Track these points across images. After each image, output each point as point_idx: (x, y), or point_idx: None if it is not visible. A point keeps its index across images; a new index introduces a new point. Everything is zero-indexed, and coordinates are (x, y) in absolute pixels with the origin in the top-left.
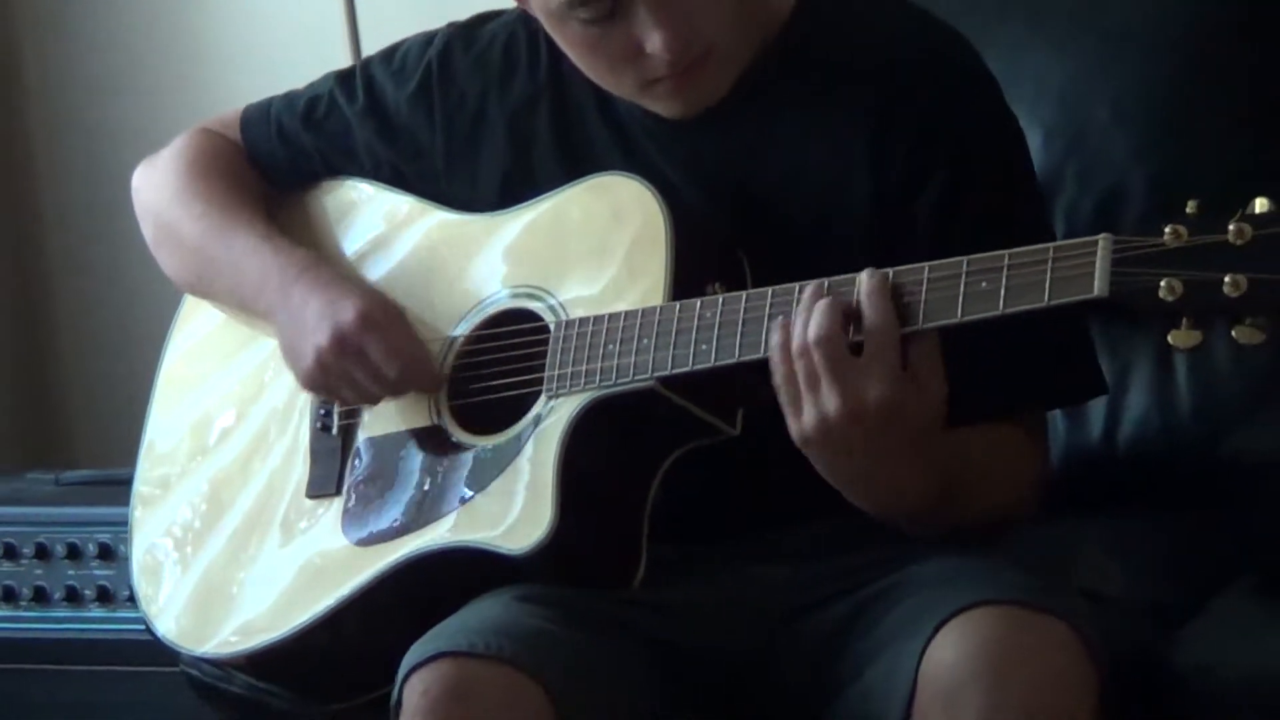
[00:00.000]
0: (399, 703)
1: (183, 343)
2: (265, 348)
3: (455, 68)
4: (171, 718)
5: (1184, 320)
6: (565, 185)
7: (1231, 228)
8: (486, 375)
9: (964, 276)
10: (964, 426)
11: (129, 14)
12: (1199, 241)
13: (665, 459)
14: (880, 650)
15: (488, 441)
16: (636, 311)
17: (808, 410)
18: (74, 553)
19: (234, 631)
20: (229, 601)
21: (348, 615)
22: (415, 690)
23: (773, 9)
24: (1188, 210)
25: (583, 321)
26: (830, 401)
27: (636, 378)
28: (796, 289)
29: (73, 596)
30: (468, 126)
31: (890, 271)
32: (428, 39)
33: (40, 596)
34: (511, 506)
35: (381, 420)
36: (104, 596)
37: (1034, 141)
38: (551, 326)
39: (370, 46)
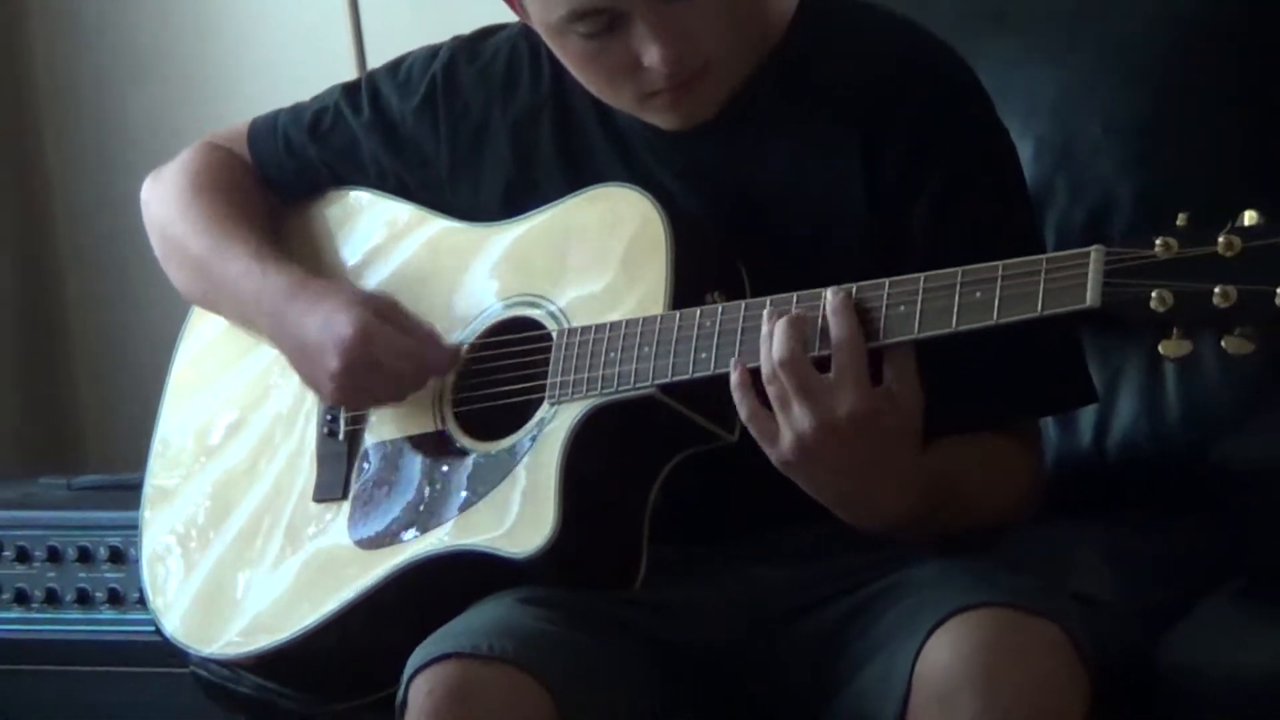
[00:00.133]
0: (404, 703)
1: (191, 349)
2: (270, 353)
3: (459, 80)
4: (181, 717)
5: (1174, 330)
6: (566, 195)
7: (1221, 240)
8: (490, 382)
9: (958, 287)
10: (957, 435)
11: (139, 17)
12: (1189, 253)
13: (665, 464)
14: (876, 651)
15: (491, 447)
16: (637, 320)
17: (783, 432)
18: (85, 556)
19: (240, 632)
20: (234, 602)
21: (354, 617)
22: (420, 690)
23: (769, 23)
24: (1178, 222)
25: (584, 330)
26: (803, 420)
27: (637, 385)
28: (794, 298)
29: (84, 599)
30: (471, 137)
31: (855, 287)
32: (432, 52)
33: (52, 598)
34: (514, 511)
35: (387, 426)
36: (114, 599)
37: (1026, 154)
38: (553, 334)
39: (376, 59)
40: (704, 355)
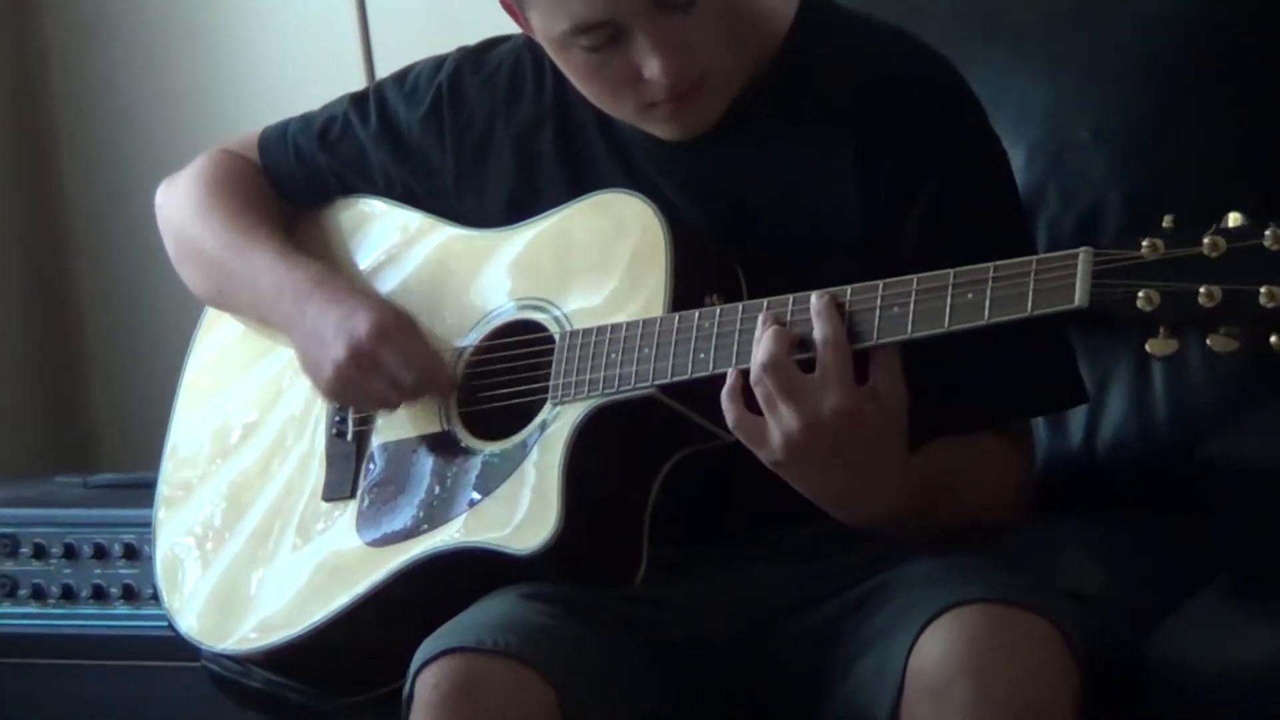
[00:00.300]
0: (410, 696)
1: (204, 353)
2: (282, 358)
3: (465, 91)
4: (193, 711)
5: (1161, 329)
6: (569, 202)
7: (1206, 241)
8: (494, 383)
9: (950, 288)
10: (949, 436)
11: (152, 20)
12: (1175, 254)
13: (665, 463)
14: (871, 646)
15: (495, 447)
16: (637, 322)
17: (772, 432)
18: (100, 553)
19: (253, 628)
20: (248, 600)
21: (362, 613)
22: (426, 684)
23: (766, 35)
24: (1164, 224)
25: (586, 332)
26: (790, 419)
27: (638, 386)
28: (790, 300)
29: (99, 594)
30: (476, 147)
31: (849, 289)
32: (438, 63)
33: (68, 594)
34: (518, 508)
35: (394, 427)
36: (129, 594)
37: (1018, 160)
38: (556, 337)
39: (383, 69)
40: (702, 356)
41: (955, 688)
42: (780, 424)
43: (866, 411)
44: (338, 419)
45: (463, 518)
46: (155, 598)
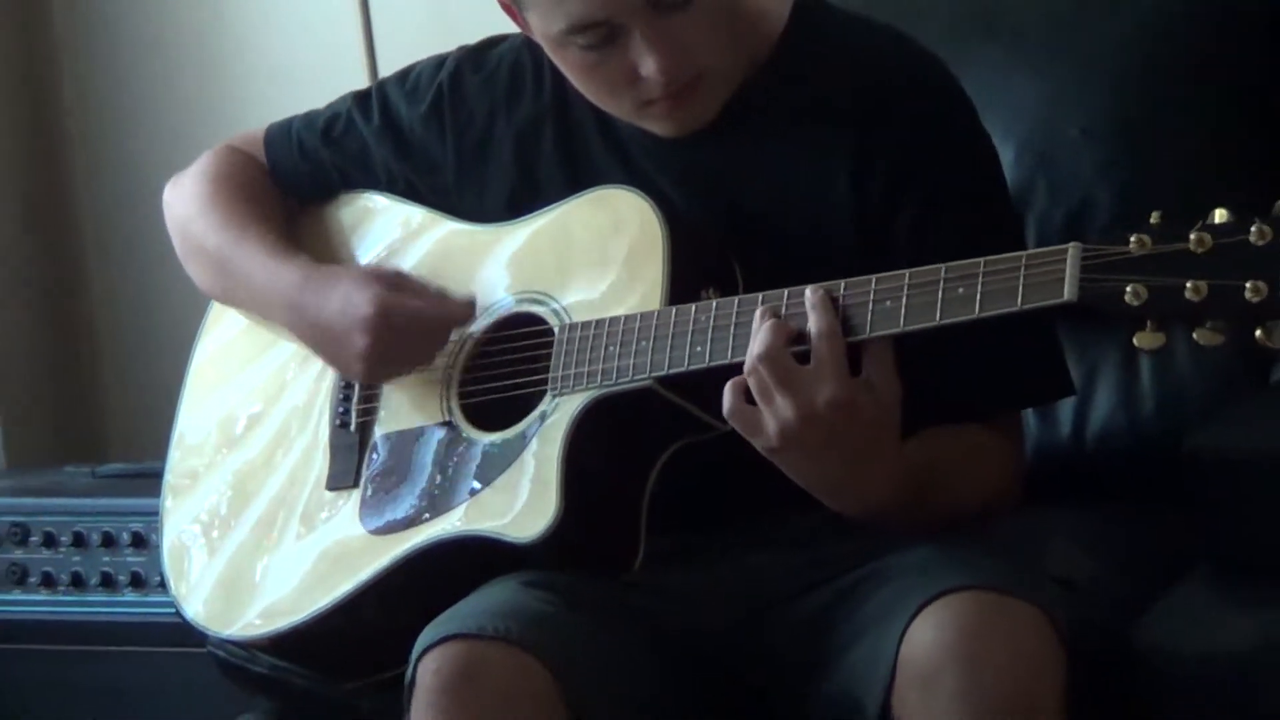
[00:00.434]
0: (413, 681)
1: (210, 345)
2: (286, 350)
3: (465, 89)
4: (200, 696)
5: (1148, 323)
6: (568, 198)
7: (1192, 236)
8: (495, 375)
9: (942, 282)
10: (941, 428)
11: (162, 21)
12: (1162, 250)
13: (662, 453)
14: (863, 633)
15: (496, 437)
16: (636, 316)
17: (767, 421)
18: (109, 541)
19: (258, 615)
20: (253, 586)
21: (365, 600)
22: (428, 670)
23: (761, 35)
24: (1151, 221)
25: (585, 325)
26: (785, 409)
27: (636, 378)
28: (785, 294)
29: (108, 582)
30: (476, 144)
31: (843, 283)
32: (439, 61)
33: (77, 582)
34: (519, 498)
35: (396, 417)
36: (137, 582)
37: (1008, 157)
38: (556, 330)
39: (386, 68)
40: (699, 349)
41: (946, 674)
42: (776, 414)
43: (860, 403)
44: (341, 410)
45: (464, 506)
46: (163, 585)
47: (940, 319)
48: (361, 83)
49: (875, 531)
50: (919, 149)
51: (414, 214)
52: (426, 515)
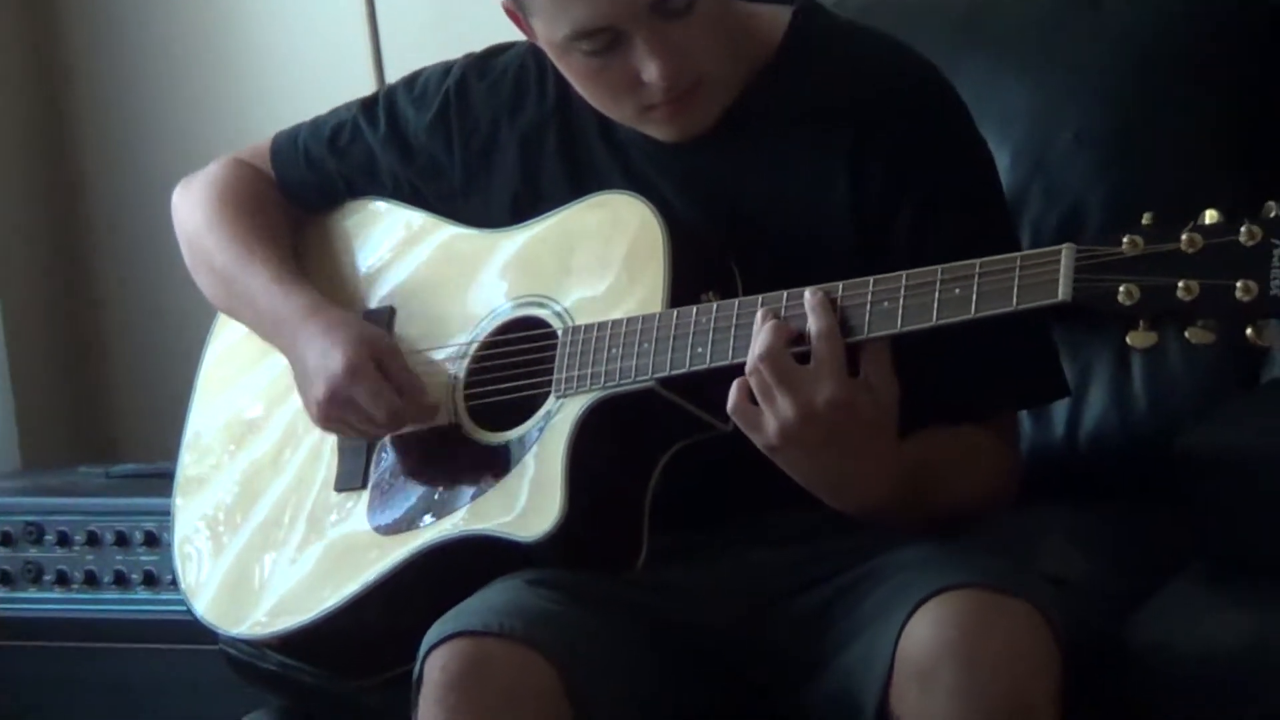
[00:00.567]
0: (420, 678)
1: (219, 347)
2: None
3: (471, 96)
4: (210, 692)
5: (1141, 323)
6: (570, 202)
7: (1184, 237)
8: (499, 377)
9: (938, 284)
10: (938, 428)
11: (171, 25)
12: (1155, 250)
13: (664, 453)
14: (861, 630)
15: (501, 438)
16: (637, 318)
17: (767, 420)
18: (122, 540)
19: (266, 613)
20: (261, 586)
21: (372, 599)
22: (435, 667)
23: (761, 41)
24: (1143, 222)
25: (588, 328)
26: (785, 408)
27: (638, 379)
28: (785, 296)
29: (121, 580)
30: (482, 150)
31: (841, 285)
32: (445, 69)
33: (91, 580)
34: (523, 497)
35: None
36: (149, 580)
37: (1003, 162)
38: (559, 332)
39: (393, 73)
40: (700, 350)
41: (942, 670)
42: (776, 413)
43: (859, 402)
44: None
45: (469, 506)
46: (174, 583)
47: (937, 319)
48: (368, 84)
49: (874, 529)
50: (916, 152)
51: (416, 219)
52: (433, 515)
